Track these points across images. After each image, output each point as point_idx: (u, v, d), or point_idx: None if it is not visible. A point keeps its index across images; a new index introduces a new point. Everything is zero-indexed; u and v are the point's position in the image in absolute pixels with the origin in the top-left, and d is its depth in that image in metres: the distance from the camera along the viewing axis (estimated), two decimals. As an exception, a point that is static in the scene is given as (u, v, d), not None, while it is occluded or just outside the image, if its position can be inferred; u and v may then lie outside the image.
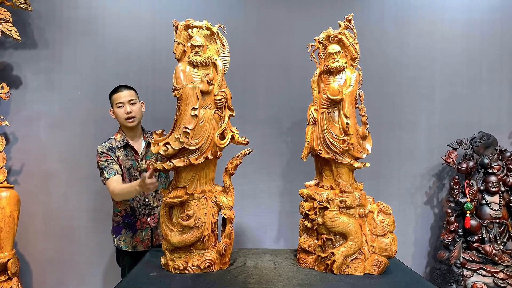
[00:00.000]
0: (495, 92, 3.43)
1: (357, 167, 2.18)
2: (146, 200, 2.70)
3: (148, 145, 2.68)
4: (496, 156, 3.18)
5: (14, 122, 3.14)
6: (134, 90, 2.73)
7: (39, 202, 3.22)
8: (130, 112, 2.62)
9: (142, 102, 2.76)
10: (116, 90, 2.69)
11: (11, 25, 2.95)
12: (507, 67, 3.42)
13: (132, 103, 2.65)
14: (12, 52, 3.19)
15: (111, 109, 2.71)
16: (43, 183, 3.22)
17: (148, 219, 2.70)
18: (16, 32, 2.97)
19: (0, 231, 2.73)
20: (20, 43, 3.12)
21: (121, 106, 2.63)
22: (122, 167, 2.63)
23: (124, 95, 2.64)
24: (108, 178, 2.52)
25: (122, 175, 2.59)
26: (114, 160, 2.61)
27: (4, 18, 2.92)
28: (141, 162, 2.69)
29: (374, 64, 3.32)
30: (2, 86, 2.90)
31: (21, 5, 3.00)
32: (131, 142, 2.70)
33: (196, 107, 2.06)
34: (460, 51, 3.42)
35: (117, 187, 2.48)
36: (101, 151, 2.60)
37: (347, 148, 2.13)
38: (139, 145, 2.74)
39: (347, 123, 2.12)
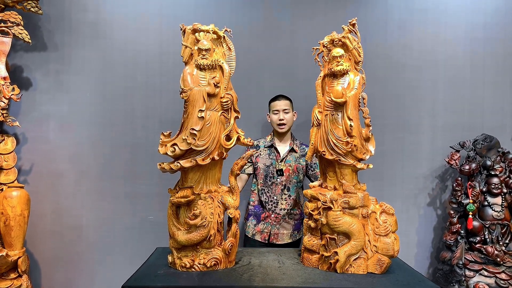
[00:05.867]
0: (498, 94, 3.45)
1: (360, 168, 2.21)
2: (275, 198, 2.93)
3: (291, 150, 3.00)
4: (498, 158, 3.21)
5: (24, 123, 3.20)
6: (290, 100, 2.98)
7: (48, 201, 3.28)
8: (282, 120, 2.93)
9: (295, 112, 3.02)
10: (275, 98, 3.02)
11: (22, 28, 3.02)
12: (510, 70, 3.45)
13: (286, 112, 2.95)
14: (23, 55, 3.26)
15: (268, 114, 3.05)
16: (52, 183, 3.28)
17: (272, 215, 2.92)
18: (27, 35, 3.03)
19: (11, 230, 2.78)
20: (30, 46, 3.19)
21: (276, 113, 2.96)
22: (262, 164, 2.97)
23: (280, 104, 2.96)
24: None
25: (252, 174, 3.04)
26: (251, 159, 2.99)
27: (16, 21, 2.99)
28: (280, 163, 2.94)
29: (378, 66, 3.36)
30: (13, 88, 2.95)
31: (31, 9, 3.07)
32: (276, 144, 3.02)
33: (203, 109, 2.11)
34: (463, 54, 3.45)
35: None
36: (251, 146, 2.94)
37: (350, 149, 2.16)
38: (284, 148, 3.03)
39: (351, 125, 2.15)
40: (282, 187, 2.94)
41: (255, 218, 2.99)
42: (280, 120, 2.94)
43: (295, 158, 2.97)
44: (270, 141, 3.02)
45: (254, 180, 3.05)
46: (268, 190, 2.94)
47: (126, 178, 3.32)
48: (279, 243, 2.93)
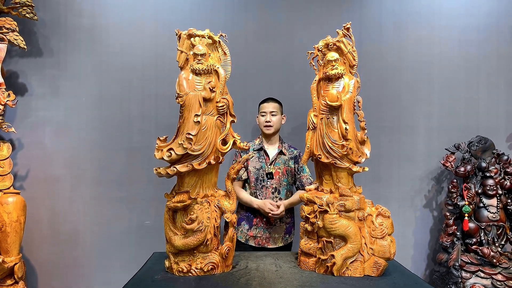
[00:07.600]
0: (492, 96, 3.48)
1: (356, 171, 2.22)
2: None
3: (280, 153, 2.98)
4: (493, 159, 3.23)
5: (20, 129, 3.20)
6: (279, 103, 3.01)
7: (44, 207, 3.27)
8: (269, 122, 2.93)
9: (284, 116, 3.02)
10: (264, 100, 3.03)
11: (18, 34, 3.02)
12: (504, 71, 3.47)
13: (273, 114, 2.95)
14: (18, 60, 3.26)
15: (257, 116, 3.06)
16: (48, 188, 3.27)
17: (265, 219, 2.92)
18: (22, 41, 3.04)
19: (7, 236, 2.77)
20: (25, 52, 3.19)
21: (264, 115, 2.97)
22: (252, 167, 2.96)
23: (268, 106, 2.97)
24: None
25: (246, 179, 2.99)
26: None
27: (11, 27, 2.99)
28: (269, 166, 2.94)
29: (373, 69, 3.37)
30: (9, 94, 2.95)
31: (27, 15, 3.07)
32: (265, 147, 3.01)
33: (199, 113, 2.11)
34: (457, 56, 3.48)
35: (236, 192, 2.52)
36: (240, 151, 2.92)
37: (346, 153, 2.17)
38: (273, 151, 3.01)
39: (346, 129, 2.16)
40: (273, 190, 2.93)
41: (247, 223, 2.95)
42: (266, 122, 2.93)
43: (284, 160, 2.96)
44: (259, 144, 3.00)
45: (246, 184, 3.04)
46: (260, 193, 2.93)
47: (122, 183, 3.32)
48: (270, 247, 2.92)
